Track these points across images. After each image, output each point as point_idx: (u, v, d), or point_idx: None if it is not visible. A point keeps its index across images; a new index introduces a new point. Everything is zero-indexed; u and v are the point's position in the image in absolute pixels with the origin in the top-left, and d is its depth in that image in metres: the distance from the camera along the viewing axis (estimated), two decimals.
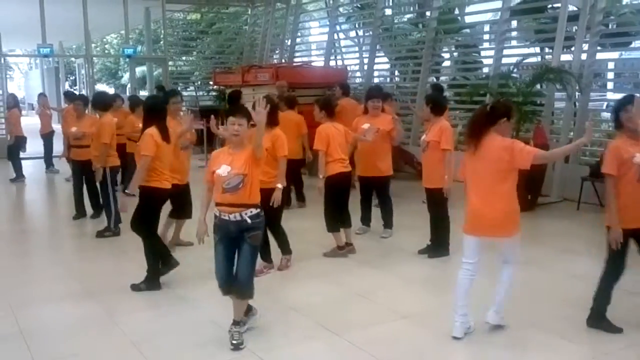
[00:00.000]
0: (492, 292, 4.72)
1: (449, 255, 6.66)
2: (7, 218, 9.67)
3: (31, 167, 13.11)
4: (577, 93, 9.97)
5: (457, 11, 15.26)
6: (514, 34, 13.19)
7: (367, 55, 15.13)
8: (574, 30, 10.51)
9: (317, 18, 19.89)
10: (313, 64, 16.46)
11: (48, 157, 13.31)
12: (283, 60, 17.49)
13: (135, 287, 5.81)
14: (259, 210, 4.48)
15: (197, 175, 7.25)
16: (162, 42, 21.22)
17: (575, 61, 10.27)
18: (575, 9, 10.67)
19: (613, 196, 4.55)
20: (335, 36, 17.02)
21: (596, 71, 10.74)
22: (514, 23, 13.03)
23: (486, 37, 14.61)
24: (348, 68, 15.68)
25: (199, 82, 20.95)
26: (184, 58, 22.25)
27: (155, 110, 5.91)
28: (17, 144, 12.46)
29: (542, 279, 5.99)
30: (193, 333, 4.73)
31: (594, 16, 10.13)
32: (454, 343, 4.56)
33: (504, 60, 11.77)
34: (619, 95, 7.07)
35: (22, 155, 12.63)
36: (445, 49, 14.72)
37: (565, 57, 10.60)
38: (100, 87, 33.12)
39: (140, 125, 6.19)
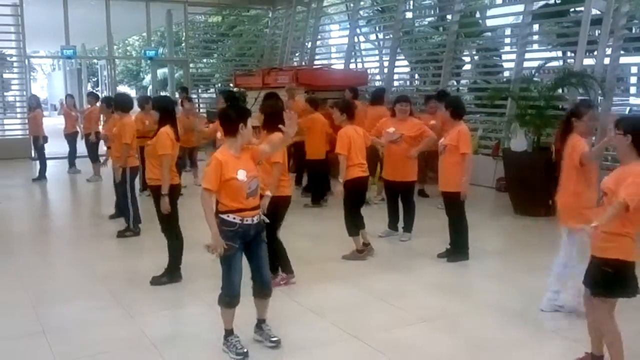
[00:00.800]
0: None
1: (469, 259, 6.65)
2: (30, 217, 9.79)
3: (53, 167, 13.25)
4: (599, 97, 9.88)
5: (478, 14, 15.21)
6: (535, 37, 13.11)
7: (388, 59, 15.13)
8: (596, 34, 10.41)
9: (338, 21, 19.95)
10: (333, 66, 16.49)
11: (71, 157, 13.45)
12: (303, 63, 17.54)
13: (156, 281, 5.89)
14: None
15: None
16: (183, 45, 21.43)
17: (597, 65, 10.18)
18: (598, 12, 10.57)
19: None
20: (356, 39, 17.04)
21: (619, 75, 10.62)
22: (536, 27, 12.94)
23: (507, 40, 14.50)
24: (368, 71, 15.69)
25: (220, 85, 21.06)
26: (204, 60, 22.41)
27: (168, 110, 6.09)
28: (39, 143, 12.59)
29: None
30: (213, 334, 4.75)
31: (617, 20, 10.04)
32: (474, 348, 4.54)
33: (526, 64, 11.69)
34: None
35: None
36: (466, 53, 14.68)
37: (588, 61, 10.49)
38: (122, 88, 33.40)
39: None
